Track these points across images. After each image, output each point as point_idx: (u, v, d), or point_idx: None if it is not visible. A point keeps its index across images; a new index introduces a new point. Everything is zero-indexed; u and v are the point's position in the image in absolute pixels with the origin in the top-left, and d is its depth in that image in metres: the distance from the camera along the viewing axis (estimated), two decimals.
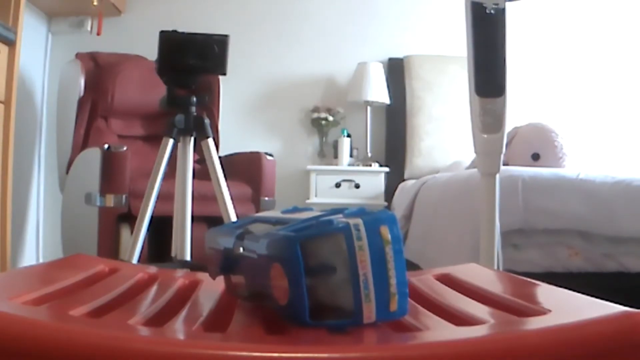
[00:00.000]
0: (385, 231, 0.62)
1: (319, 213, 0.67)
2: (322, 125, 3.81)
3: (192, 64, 1.90)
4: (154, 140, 3.34)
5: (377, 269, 0.61)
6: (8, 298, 0.62)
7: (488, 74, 1.77)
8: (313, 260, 0.61)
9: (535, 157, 2.90)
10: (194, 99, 1.97)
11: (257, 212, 3.15)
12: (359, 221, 0.62)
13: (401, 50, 3.91)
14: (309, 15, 3.95)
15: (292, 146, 3.89)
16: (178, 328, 0.62)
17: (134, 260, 1.87)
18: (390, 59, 3.91)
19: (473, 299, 0.74)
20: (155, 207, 1.92)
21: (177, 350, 0.51)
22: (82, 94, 3.22)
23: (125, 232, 2.78)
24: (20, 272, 0.86)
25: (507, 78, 1.77)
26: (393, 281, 0.62)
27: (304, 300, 0.60)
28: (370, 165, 3.68)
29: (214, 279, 0.79)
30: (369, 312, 0.61)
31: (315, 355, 0.51)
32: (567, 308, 0.67)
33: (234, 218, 2.00)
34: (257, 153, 3.26)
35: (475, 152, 1.84)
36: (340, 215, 0.65)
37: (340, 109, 3.83)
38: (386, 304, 0.62)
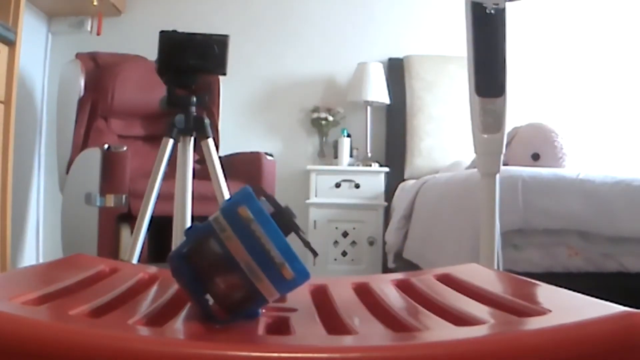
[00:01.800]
0: (244, 211, 0.62)
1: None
2: (322, 125, 3.81)
3: (192, 64, 1.89)
4: (154, 140, 3.34)
5: (253, 249, 0.61)
6: (8, 298, 0.62)
7: (488, 74, 1.77)
8: (201, 267, 0.64)
9: (535, 157, 2.90)
10: (194, 99, 1.97)
11: None
12: (218, 214, 0.64)
13: (401, 50, 3.91)
14: (309, 16, 3.95)
15: (292, 146, 3.89)
16: (178, 328, 0.62)
17: (134, 260, 1.87)
18: (390, 59, 3.91)
19: (473, 299, 0.74)
20: (155, 207, 1.92)
21: (177, 350, 0.51)
22: (82, 94, 3.22)
23: (125, 232, 2.78)
24: (21, 272, 0.86)
25: (507, 78, 1.77)
26: (274, 252, 0.62)
27: (203, 307, 0.63)
28: (370, 165, 3.68)
29: None
30: (267, 290, 0.62)
31: (316, 355, 0.51)
32: (567, 308, 0.67)
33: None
34: (257, 153, 3.26)
35: (475, 152, 1.84)
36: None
37: (340, 109, 3.83)
38: (279, 276, 0.62)
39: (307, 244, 0.69)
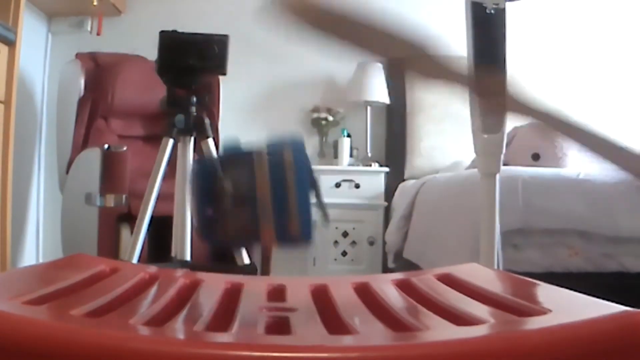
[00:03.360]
0: (289, 155, 0.63)
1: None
2: (322, 125, 3.81)
3: (192, 64, 1.90)
4: (154, 140, 3.33)
5: (277, 191, 0.61)
6: (8, 298, 0.62)
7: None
8: (220, 184, 0.63)
9: (535, 157, 2.90)
10: (194, 99, 1.97)
11: None
12: (263, 148, 0.64)
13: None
14: None
15: None
16: (179, 328, 0.62)
17: (134, 260, 1.87)
18: (390, 59, 3.90)
19: (474, 298, 0.74)
20: (155, 207, 1.92)
21: (178, 350, 0.51)
22: (82, 94, 3.22)
23: (125, 232, 2.78)
24: (21, 272, 0.86)
25: (507, 78, 1.77)
26: (294, 204, 0.61)
27: (202, 221, 0.64)
28: (370, 165, 3.68)
29: None
30: (268, 234, 0.62)
31: (316, 355, 0.51)
32: (568, 308, 0.67)
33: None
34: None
35: (475, 152, 1.84)
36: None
37: (340, 109, 3.83)
38: (285, 227, 0.62)
39: (323, 207, 0.68)
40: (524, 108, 0.75)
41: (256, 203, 0.61)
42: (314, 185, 0.66)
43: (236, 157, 0.64)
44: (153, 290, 0.82)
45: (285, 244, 0.63)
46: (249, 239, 0.63)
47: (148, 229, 1.91)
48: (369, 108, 3.79)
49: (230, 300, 0.75)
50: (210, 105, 3.41)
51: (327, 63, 3.93)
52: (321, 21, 0.58)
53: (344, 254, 3.59)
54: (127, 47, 3.56)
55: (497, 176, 1.80)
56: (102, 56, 3.37)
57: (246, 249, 0.63)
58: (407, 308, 0.73)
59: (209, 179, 0.65)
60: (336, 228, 3.59)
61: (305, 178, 0.62)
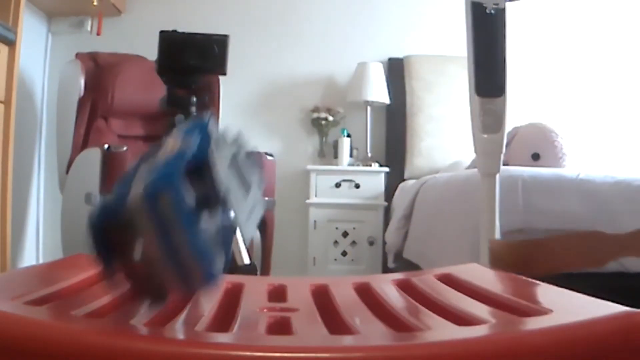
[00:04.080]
0: (166, 199, 0.56)
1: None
2: (322, 125, 3.81)
3: (192, 64, 1.90)
4: (154, 140, 3.33)
5: (166, 241, 0.56)
6: (10, 298, 0.62)
7: (488, 74, 1.77)
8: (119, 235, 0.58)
9: (535, 157, 2.90)
10: (194, 99, 1.97)
11: None
12: (139, 193, 0.57)
13: (401, 50, 3.91)
14: (309, 15, 3.95)
15: (292, 146, 3.89)
16: (179, 328, 0.62)
17: None
18: (390, 59, 3.91)
19: (474, 298, 0.74)
20: None
21: (179, 351, 0.51)
22: (82, 94, 3.22)
23: None
24: (21, 272, 0.86)
25: (507, 78, 1.77)
26: (186, 250, 0.56)
27: (105, 265, 0.59)
28: (370, 165, 3.69)
29: None
30: (173, 286, 0.58)
31: (317, 355, 0.51)
32: (569, 308, 0.67)
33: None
34: (257, 153, 3.26)
35: (475, 152, 1.84)
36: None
37: (340, 109, 3.83)
38: (186, 276, 0.57)
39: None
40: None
41: (150, 261, 0.57)
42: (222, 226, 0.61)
43: (114, 219, 0.59)
44: None
45: (193, 289, 0.59)
46: (158, 295, 0.60)
47: None
48: (369, 108, 3.79)
49: (231, 300, 0.75)
50: (210, 105, 3.41)
51: (327, 63, 3.93)
52: (529, 262, 0.57)
53: (344, 254, 3.59)
54: (127, 47, 3.56)
55: (497, 176, 1.80)
56: (102, 56, 3.37)
57: (157, 303, 0.58)
58: (407, 308, 0.73)
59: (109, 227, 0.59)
60: (336, 228, 3.59)
61: (190, 218, 0.57)
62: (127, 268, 0.60)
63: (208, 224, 0.59)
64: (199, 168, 0.61)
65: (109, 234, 0.60)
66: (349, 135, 3.77)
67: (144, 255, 0.58)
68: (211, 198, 0.61)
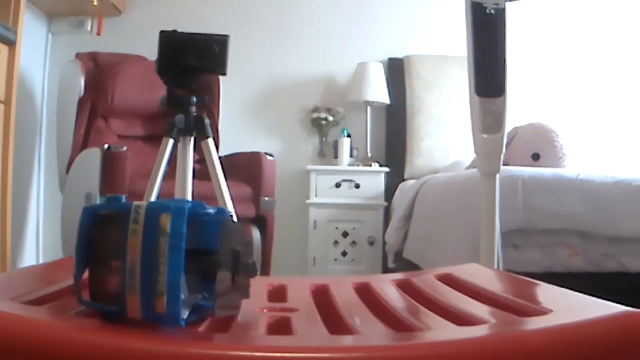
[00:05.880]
0: (166, 220, 0.56)
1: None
2: (322, 125, 3.81)
3: (192, 64, 1.89)
4: (154, 140, 3.33)
5: (147, 260, 0.55)
6: (10, 298, 0.62)
7: (488, 74, 1.77)
8: (101, 244, 0.59)
9: (535, 157, 2.90)
10: (194, 99, 1.97)
11: (257, 212, 3.15)
12: (144, 204, 0.58)
13: (401, 50, 3.91)
14: (309, 15, 3.95)
15: (292, 146, 3.89)
16: (180, 328, 0.62)
17: None
18: (390, 59, 3.90)
19: (474, 299, 0.74)
20: None
21: (179, 350, 0.51)
22: (82, 94, 3.22)
23: None
24: (22, 272, 0.86)
25: (507, 78, 1.77)
26: (162, 278, 0.55)
27: (77, 280, 0.58)
28: (370, 165, 3.68)
29: None
30: (134, 305, 0.56)
31: (317, 355, 0.51)
32: (568, 308, 0.67)
33: (234, 218, 2.00)
34: (257, 153, 3.26)
35: (475, 152, 1.84)
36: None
37: (340, 109, 3.82)
38: (152, 303, 0.55)
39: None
40: None
41: (125, 266, 0.56)
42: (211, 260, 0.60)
43: (116, 209, 0.58)
44: None
45: (152, 320, 0.57)
46: (116, 303, 0.57)
47: None
48: (369, 108, 3.79)
49: None
50: (210, 105, 3.41)
51: (327, 63, 3.93)
52: None
53: (344, 254, 3.59)
54: (127, 47, 3.56)
55: (497, 176, 1.80)
56: (102, 56, 3.37)
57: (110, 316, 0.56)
58: (407, 308, 0.73)
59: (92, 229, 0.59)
60: (336, 228, 3.59)
61: (179, 248, 0.56)
62: (101, 269, 0.59)
63: (191, 268, 0.58)
64: (200, 251, 0.61)
65: (98, 229, 0.60)
66: (349, 135, 3.77)
67: (121, 263, 0.57)
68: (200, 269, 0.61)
